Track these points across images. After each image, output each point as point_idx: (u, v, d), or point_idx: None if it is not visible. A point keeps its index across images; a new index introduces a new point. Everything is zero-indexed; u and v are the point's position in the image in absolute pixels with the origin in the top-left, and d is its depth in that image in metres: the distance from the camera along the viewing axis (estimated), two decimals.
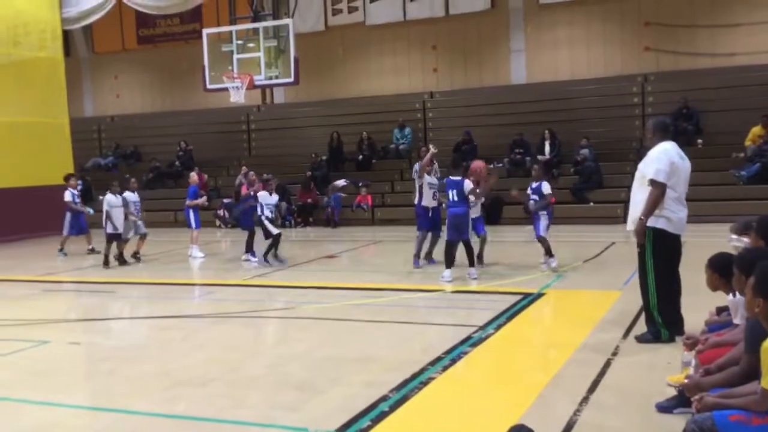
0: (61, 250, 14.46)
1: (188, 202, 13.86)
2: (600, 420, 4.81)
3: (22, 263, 13.85)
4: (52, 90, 19.64)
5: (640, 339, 6.49)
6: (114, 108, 26.47)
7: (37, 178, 18.24)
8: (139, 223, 13.32)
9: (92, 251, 14.50)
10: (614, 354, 6.23)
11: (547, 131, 18.25)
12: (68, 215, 14.67)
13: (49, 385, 6.19)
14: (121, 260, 12.76)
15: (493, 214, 17.38)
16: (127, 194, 13.22)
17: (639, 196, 6.40)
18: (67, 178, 15.24)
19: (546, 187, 10.57)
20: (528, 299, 8.59)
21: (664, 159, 6.25)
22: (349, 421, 4.89)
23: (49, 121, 19.43)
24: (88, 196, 21.90)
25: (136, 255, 13.19)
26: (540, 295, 8.81)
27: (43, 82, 19.36)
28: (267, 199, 12.23)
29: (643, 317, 6.72)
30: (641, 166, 6.44)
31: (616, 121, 18.81)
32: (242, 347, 7.25)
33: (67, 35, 21.44)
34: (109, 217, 12.52)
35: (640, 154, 7.31)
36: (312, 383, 5.86)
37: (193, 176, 14.80)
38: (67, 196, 14.74)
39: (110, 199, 12.81)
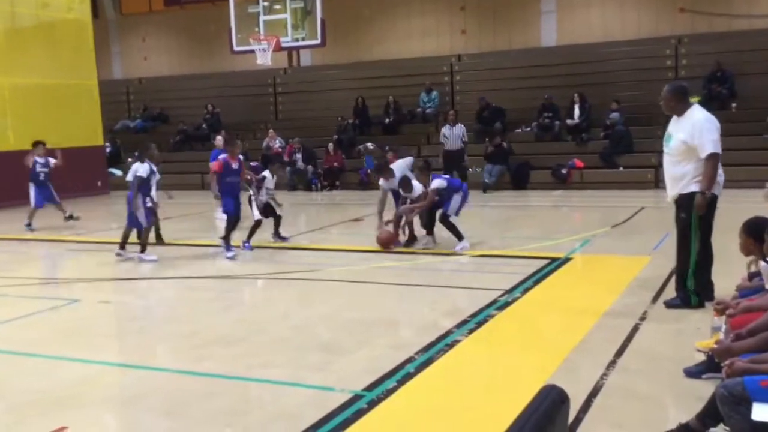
0: (29, 225, 12.98)
1: (212, 164, 11.72)
2: (627, 384, 4.78)
3: (50, 223, 14.05)
4: (81, 52, 19.73)
5: (669, 304, 6.43)
6: (142, 70, 26.54)
7: (67, 139, 18.42)
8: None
9: (70, 218, 13.31)
10: (642, 319, 6.18)
11: (576, 94, 17.95)
12: (32, 186, 13.19)
13: (80, 342, 6.30)
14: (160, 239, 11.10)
15: (520, 179, 17.25)
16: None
17: (681, 168, 6.17)
18: (34, 144, 13.69)
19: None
20: (555, 264, 8.53)
21: (713, 127, 6.10)
22: (375, 381, 4.92)
23: (78, 83, 19.55)
24: (117, 158, 22.16)
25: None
26: (567, 260, 8.74)
27: (71, 44, 19.45)
28: (269, 183, 11.17)
29: (672, 283, 6.64)
30: (684, 136, 6.12)
31: (648, 84, 18.40)
32: (269, 308, 7.30)
33: None
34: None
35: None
36: (338, 344, 5.89)
37: (219, 139, 14.06)
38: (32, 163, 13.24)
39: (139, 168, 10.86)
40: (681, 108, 6.26)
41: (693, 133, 6.07)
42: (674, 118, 6.36)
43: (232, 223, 9.91)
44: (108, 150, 21.71)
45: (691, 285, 6.32)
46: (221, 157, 10.28)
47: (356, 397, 4.66)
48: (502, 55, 20.78)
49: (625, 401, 4.54)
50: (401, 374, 5.06)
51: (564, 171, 16.94)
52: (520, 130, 18.95)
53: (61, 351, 5.96)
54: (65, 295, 8.02)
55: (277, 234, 10.80)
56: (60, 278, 8.93)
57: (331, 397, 4.68)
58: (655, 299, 6.75)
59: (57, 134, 18.23)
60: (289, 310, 7.22)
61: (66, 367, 5.63)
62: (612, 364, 5.11)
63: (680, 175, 6.23)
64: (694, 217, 6.16)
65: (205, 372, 5.31)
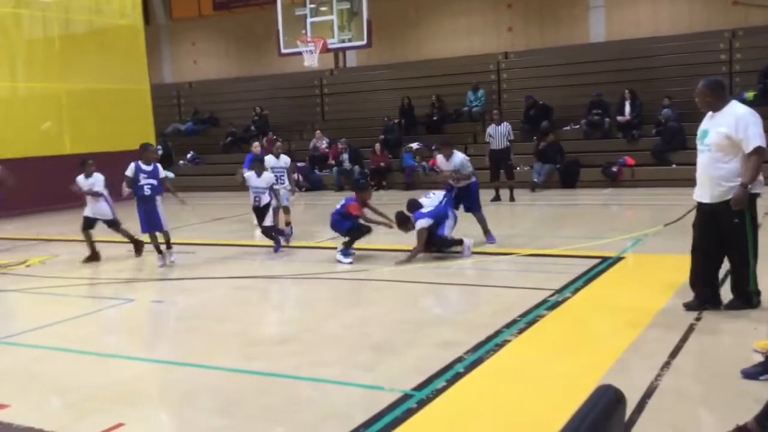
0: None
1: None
2: (682, 385, 4.68)
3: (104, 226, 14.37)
4: (133, 57, 20.17)
5: (728, 306, 6.26)
6: (192, 74, 27.03)
7: (120, 143, 18.85)
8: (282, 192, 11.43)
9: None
10: (697, 319, 6.04)
11: (627, 91, 17.64)
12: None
13: (134, 341, 6.45)
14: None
15: (569, 178, 17.03)
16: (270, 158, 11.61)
17: (723, 165, 5.86)
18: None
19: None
20: (606, 263, 8.40)
21: (758, 121, 5.86)
22: (424, 381, 4.92)
23: (131, 87, 19.99)
24: (169, 161, 22.60)
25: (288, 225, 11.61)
26: (619, 259, 8.60)
27: (124, 50, 19.90)
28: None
29: (727, 283, 6.47)
30: (727, 130, 5.84)
31: (701, 79, 17.98)
32: (318, 308, 7.36)
33: (146, 2, 21.90)
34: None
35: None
36: (387, 344, 5.90)
37: (256, 146, 13.26)
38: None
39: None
40: (719, 103, 5.98)
41: (737, 126, 5.78)
42: (709, 114, 6.08)
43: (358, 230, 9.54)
44: (159, 152, 22.13)
45: (753, 285, 6.13)
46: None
47: (406, 397, 4.66)
48: (549, 52, 20.56)
49: (680, 403, 4.44)
50: (450, 374, 5.05)
51: (614, 169, 16.67)
52: (568, 128, 18.71)
53: (116, 349, 6.11)
54: (120, 294, 8.22)
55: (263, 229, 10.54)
56: (116, 278, 9.16)
57: (380, 397, 4.69)
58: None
59: (110, 138, 18.71)
60: (338, 309, 7.27)
61: (121, 364, 5.77)
62: (666, 365, 5.01)
63: (722, 175, 5.88)
64: (747, 217, 5.92)
65: (256, 370, 5.38)
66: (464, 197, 10.13)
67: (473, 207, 10.18)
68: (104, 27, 19.76)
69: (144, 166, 9.87)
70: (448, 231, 9.45)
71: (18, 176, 15.72)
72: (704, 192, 6.07)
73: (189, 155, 23.06)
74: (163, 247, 9.81)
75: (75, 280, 9.11)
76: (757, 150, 5.75)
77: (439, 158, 10.54)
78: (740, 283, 6.19)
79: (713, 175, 5.95)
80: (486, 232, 10.14)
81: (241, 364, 5.55)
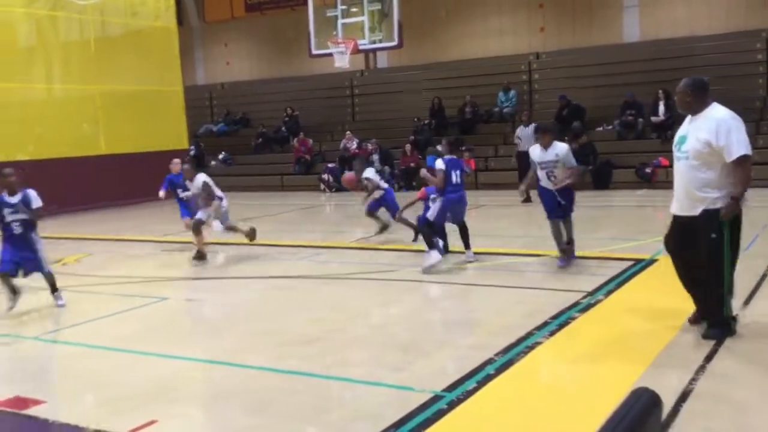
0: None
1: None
2: (718, 389, 4.60)
3: (140, 224, 14.60)
4: (167, 59, 20.43)
5: (705, 336, 5.50)
6: (224, 75, 27.28)
7: (153, 143, 19.14)
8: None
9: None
10: (732, 320, 5.93)
11: (661, 91, 17.40)
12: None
13: (168, 339, 6.53)
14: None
15: (602, 179, 16.86)
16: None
17: (701, 175, 5.27)
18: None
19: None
20: (639, 265, 8.30)
21: (741, 126, 5.25)
22: (455, 382, 4.90)
23: (165, 89, 20.24)
24: (201, 162, 22.83)
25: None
26: (652, 262, 8.48)
27: (158, 51, 20.16)
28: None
29: (763, 287, 6.35)
30: (706, 136, 5.24)
31: (738, 80, 17.70)
32: (347, 308, 7.38)
33: (179, 5, 22.15)
34: None
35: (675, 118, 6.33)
36: (417, 344, 5.89)
37: (176, 163, 11.63)
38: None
39: None
40: (698, 106, 5.43)
41: (718, 132, 5.20)
42: (688, 118, 5.56)
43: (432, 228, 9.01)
44: (192, 153, 22.39)
45: (728, 311, 5.54)
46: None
47: (436, 398, 4.65)
48: (582, 52, 20.37)
49: (716, 406, 4.37)
50: (481, 375, 5.02)
51: (648, 170, 16.46)
52: (601, 129, 18.52)
53: (149, 347, 6.18)
54: (155, 293, 8.32)
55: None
56: (150, 277, 9.28)
57: (410, 397, 4.68)
58: (746, 302, 6.48)
59: (144, 139, 18.99)
60: (368, 309, 7.28)
61: (154, 362, 5.83)
62: (702, 368, 4.94)
63: (701, 184, 5.32)
64: (727, 234, 5.29)
65: (287, 369, 5.40)
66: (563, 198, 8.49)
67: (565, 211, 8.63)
68: (138, 29, 20.03)
69: (7, 198, 7.56)
70: (432, 212, 8.87)
71: (54, 176, 16.14)
72: (681, 204, 5.54)
73: (221, 156, 23.27)
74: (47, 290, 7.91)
75: (110, 278, 9.24)
76: (742, 159, 5.18)
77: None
78: (713, 305, 5.54)
79: (691, 185, 5.39)
80: (570, 241, 8.71)
81: (273, 363, 5.58)
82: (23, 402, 4.94)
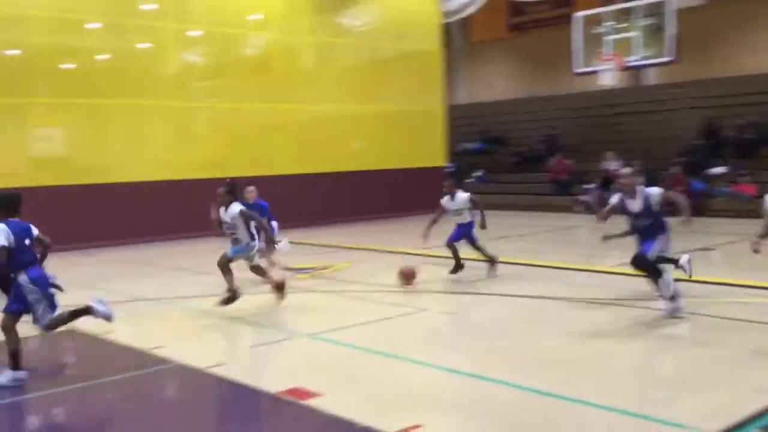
0: None
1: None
2: None
3: (401, 237, 15.29)
4: (430, 80, 21.26)
5: None
6: (484, 95, 27.73)
7: (412, 160, 20.07)
8: None
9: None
10: None
11: None
12: None
13: (427, 347, 6.76)
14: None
15: None
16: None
17: None
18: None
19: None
20: None
21: None
22: (733, 426, 4.47)
23: (426, 108, 21.08)
24: (459, 178, 23.41)
25: None
26: None
27: (421, 73, 21.05)
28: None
29: None
30: None
31: None
32: (607, 334, 7.08)
33: (446, 27, 22.96)
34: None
35: None
36: (687, 380, 5.48)
37: (251, 191, 10.43)
38: None
39: None
40: None
41: None
42: None
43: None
44: (450, 170, 23.02)
45: None
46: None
47: None
48: None
49: None
50: (765, 421, 4.53)
51: None
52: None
53: (411, 353, 6.45)
54: (415, 303, 8.67)
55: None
56: (410, 288, 9.67)
57: None
58: None
59: (404, 156, 19.98)
60: (629, 337, 6.91)
61: (416, 369, 6.07)
62: None
63: None
64: None
65: (542, 390, 5.31)
66: None
67: None
68: (406, 52, 21.07)
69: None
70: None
71: (331, 189, 17.67)
72: None
73: (477, 173, 23.66)
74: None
75: (372, 287, 9.80)
76: None
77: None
78: None
79: None
80: None
81: (526, 382, 5.52)
82: (303, 393, 5.41)
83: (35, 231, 6.17)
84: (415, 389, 5.52)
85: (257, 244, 8.58)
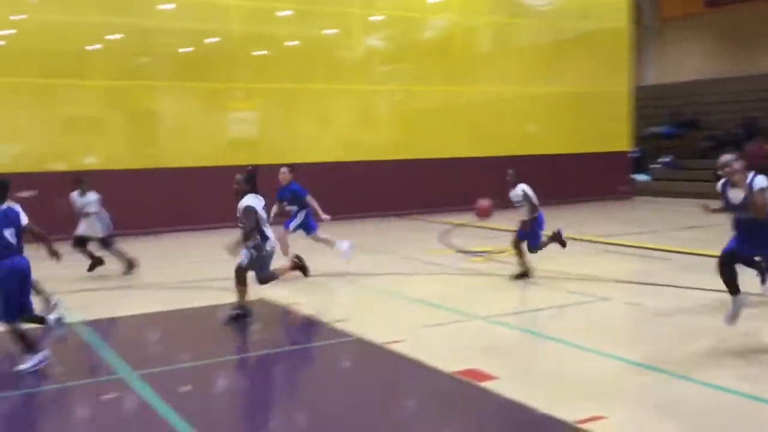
0: None
1: None
2: None
3: (579, 224, 14.78)
4: (615, 59, 20.31)
5: None
6: (674, 75, 26.06)
7: (592, 145, 19.29)
8: None
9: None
10: None
11: None
12: None
13: (605, 338, 6.52)
14: None
15: None
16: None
17: None
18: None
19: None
20: None
21: None
22: None
23: (609, 89, 20.15)
24: (643, 164, 22.26)
25: None
26: None
27: (606, 52, 20.14)
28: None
29: None
30: None
31: None
32: None
33: (636, 2, 21.77)
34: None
35: None
36: None
37: (283, 172, 10.17)
38: None
39: None
40: None
41: None
42: None
43: None
44: (635, 156, 21.95)
45: None
46: None
47: None
48: None
49: None
50: None
51: None
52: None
53: (587, 343, 6.24)
54: (596, 292, 8.38)
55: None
56: (592, 276, 9.37)
57: None
58: None
59: (585, 140, 19.24)
60: None
61: (593, 359, 5.89)
62: None
63: None
64: None
65: (737, 390, 4.95)
66: None
67: None
68: (590, 31, 20.26)
69: None
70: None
71: (492, 173, 17.37)
72: None
73: (664, 159, 22.35)
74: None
75: (549, 273, 9.55)
76: None
77: None
78: None
79: None
80: None
81: (716, 380, 5.16)
82: (479, 375, 5.42)
83: (24, 220, 5.80)
84: (592, 379, 5.34)
85: (271, 242, 7.45)
